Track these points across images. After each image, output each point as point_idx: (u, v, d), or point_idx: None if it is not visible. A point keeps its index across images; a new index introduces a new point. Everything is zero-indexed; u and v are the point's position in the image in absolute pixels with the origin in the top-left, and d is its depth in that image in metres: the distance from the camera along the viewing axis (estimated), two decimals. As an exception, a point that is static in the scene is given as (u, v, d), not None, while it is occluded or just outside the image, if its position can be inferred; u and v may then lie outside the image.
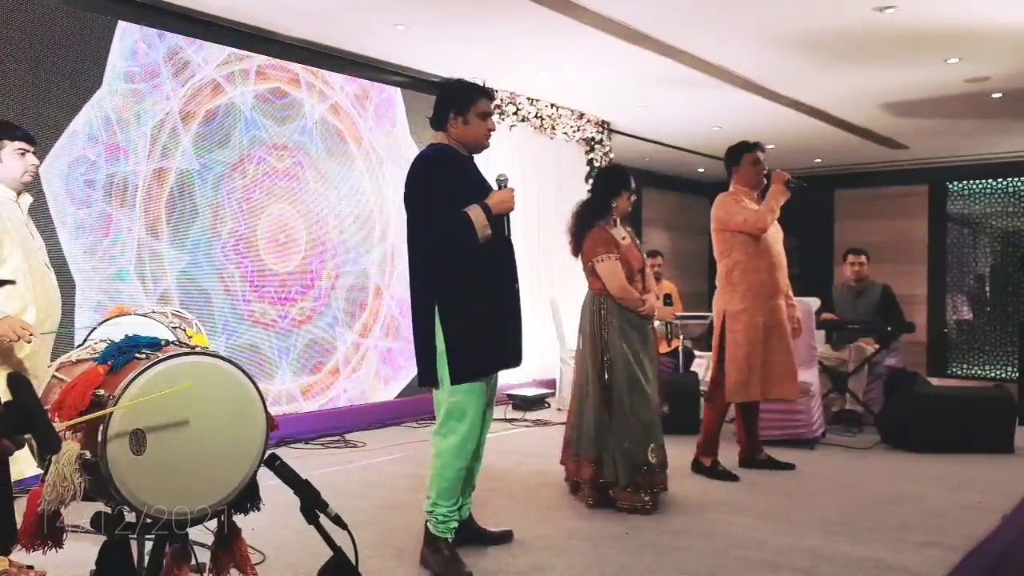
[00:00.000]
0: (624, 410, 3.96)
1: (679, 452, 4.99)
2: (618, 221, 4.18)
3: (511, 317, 3.30)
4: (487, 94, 3.31)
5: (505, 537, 3.53)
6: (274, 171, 5.93)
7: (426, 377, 3.23)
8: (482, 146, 3.33)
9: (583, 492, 4.09)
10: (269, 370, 5.82)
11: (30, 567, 2.99)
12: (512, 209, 3.22)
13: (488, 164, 7.19)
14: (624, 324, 4.02)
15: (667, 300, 4.09)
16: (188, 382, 2.24)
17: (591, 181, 4.24)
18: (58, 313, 3.33)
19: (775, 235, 4.75)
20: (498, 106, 7.42)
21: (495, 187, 3.24)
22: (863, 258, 6.82)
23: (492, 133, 3.33)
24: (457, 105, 3.25)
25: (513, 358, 3.32)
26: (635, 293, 4.04)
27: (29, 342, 3.00)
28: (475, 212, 3.10)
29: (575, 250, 4.20)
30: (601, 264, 4.04)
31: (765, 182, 4.79)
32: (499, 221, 3.18)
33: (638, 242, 4.26)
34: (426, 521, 3.25)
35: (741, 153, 4.81)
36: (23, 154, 3.17)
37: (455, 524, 3.24)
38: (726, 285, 4.71)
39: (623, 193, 4.13)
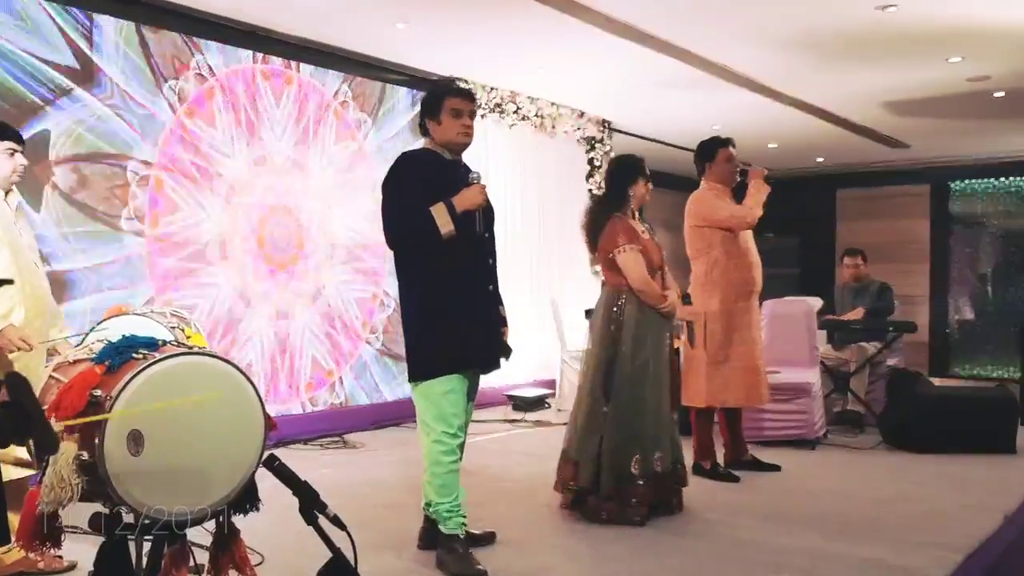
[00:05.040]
0: (618, 414, 3.75)
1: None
2: (636, 213, 3.95)
3: (482, 318, 3.21)
4: (458, 92, 3.21)
5: (487, 539, 3.48)
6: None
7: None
8: (458, 144, 3.21)
9: (564, 494, 3.89)
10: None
11: (59, 556, 3.00)
12: (481, 205, 3.12)
13: (488, 163, 7.22)
14: (640, 323, 3.79)
15: (686, 299, 3.98)
16: (177, 397, 2.22)
17: (604, 173, 4.03)
18: (48, 313, 3.26)
19: (749, 232, 4.68)
20: (498, 105, 7.40)
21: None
22: (859, 259, 6.80)
23: (468, 130, 3.17)
24: (430, 108, 3.21)
25: (484, 362, 3.24)
26: (656, 287, 3.81)
27: (28, 350, 3.00)
28: (438, 210, 3.03)
29: (592, 246, 3.93)
30: (622, 255, 3.76)
31: (738, 179, 4.71)
32: (469, 219, 3.09)
33: (656, 238, 4.02)
34: (436, 523, 3.23)
35: (715, 149, 4.67)
36: (12, 154, 3.13)
37: (462, 519, 3.21)
38: (706, 284, 4.58)
39: (639, 180, 3.90)
